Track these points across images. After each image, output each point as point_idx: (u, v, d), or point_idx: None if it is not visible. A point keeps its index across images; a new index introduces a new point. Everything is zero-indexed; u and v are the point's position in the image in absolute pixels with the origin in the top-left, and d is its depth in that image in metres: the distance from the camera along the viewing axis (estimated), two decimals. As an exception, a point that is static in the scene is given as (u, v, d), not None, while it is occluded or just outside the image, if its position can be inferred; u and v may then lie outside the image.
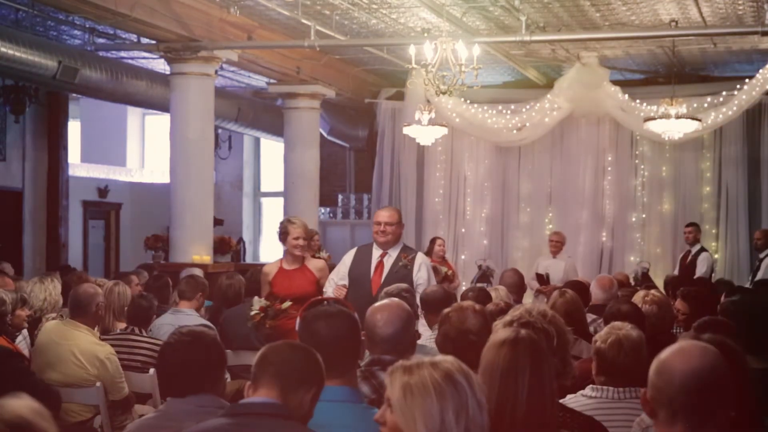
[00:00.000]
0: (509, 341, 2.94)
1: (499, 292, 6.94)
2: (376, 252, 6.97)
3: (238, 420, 2.79)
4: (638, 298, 5.94)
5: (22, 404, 1.79)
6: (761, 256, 11.97)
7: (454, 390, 2.34)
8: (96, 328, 6.28)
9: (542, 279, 11.34)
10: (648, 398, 2.48)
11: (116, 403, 5.83)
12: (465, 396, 2.35)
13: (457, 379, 2.36)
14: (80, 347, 5.78)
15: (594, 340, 4.02)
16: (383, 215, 7.03)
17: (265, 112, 14.54)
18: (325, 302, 3.23)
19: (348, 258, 7.09)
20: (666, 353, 2.48)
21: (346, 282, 6.90)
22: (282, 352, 2.84)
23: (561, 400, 3.47)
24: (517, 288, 7.76)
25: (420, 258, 6.98)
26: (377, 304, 3.93)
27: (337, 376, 3.06)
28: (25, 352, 6.39)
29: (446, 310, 4.17)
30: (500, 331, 3.10)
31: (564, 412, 3.31)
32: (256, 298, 6.97)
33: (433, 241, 12.09)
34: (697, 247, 12.09)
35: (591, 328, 6.15)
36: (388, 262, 6.91)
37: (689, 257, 12.04)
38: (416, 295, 6.26)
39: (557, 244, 12.27)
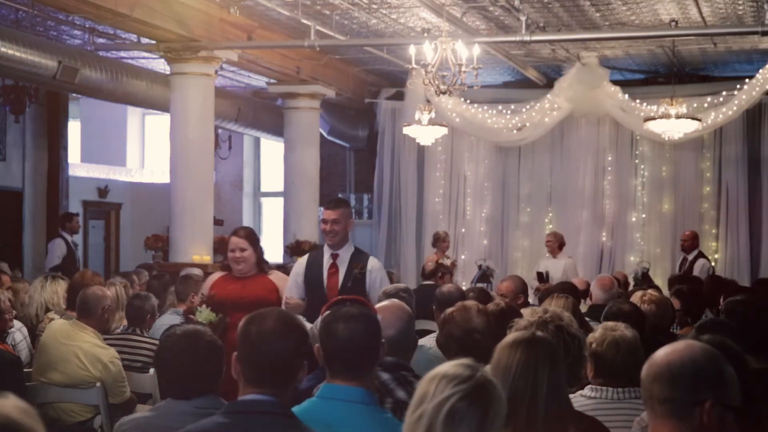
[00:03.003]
0: (526, 340, 2.96)
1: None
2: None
3: (235, 419, 2.77)
4: (636, 298, 5.93)
5: (9, 404, 1.77)
6: (689, 257, 12.01)
7: None
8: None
9: (541, 277, 11.33)
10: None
11: (117, 405, 5.83)
12: None
13: None
14: (84, 349, 5.77)
15: (589, 343, 3.97)
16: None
17: (265, 112, 14.54)
18: (348, 302, 3.19)
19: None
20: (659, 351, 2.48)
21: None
22: (271, 343, 2.79)
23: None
24: (515, 295, 7.64)
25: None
26: (377, 305, 3.89)
27: (353, 378, 3.03)
28: (25, 352, 6.39)
29: (449, 309, 4.17)
30: (515, 332, 3.13)
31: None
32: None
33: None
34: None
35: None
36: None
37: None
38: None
39: (551, 245, 12.28)
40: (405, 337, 3.75)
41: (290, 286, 6.08)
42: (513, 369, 2.88)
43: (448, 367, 2.23)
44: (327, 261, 6.08)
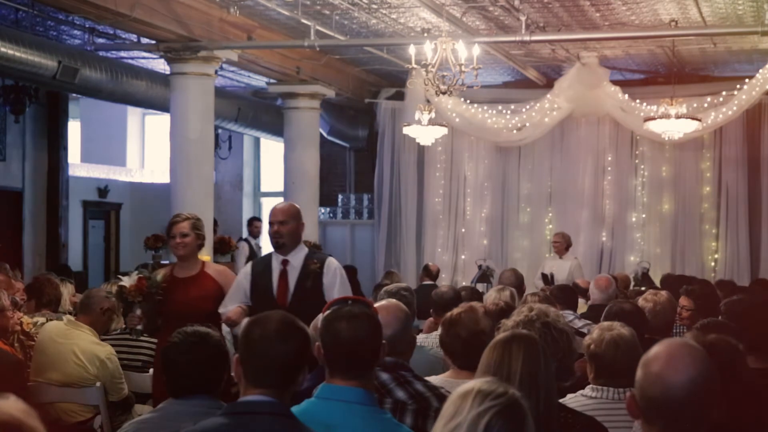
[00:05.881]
0: (503, 341, 2.96)
1: (504, 293, 6.81)
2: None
3: (236, 419, 2.78)
4: (643, 298, 5.92)
5: (11, 404, 1.79)
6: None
7: None
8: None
9: (546, 279, 11.33)
10: (641, 406, 2.45)
11: (115, 404, 5.83)
12: None
13: None
14: (81, 347, 5.78)
15: (587, 344, 3.95)
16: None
17: (265, 112, 14.54)
18: (349, 302, 3.19)
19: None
20: (656, 362, 2.44)
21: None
22: (272, 342, 2.80)
23: (561, 400, 3.47)
24: (515, 288, 7.70)
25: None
26: (375, 305, 3.89)
27: (353, 377, 3.04)
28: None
29: (456, 310, 4.17)
30: (500, 333, 3.12)
31: (565, 412, 3.31)
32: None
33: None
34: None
35: (586, 330, 6.13)
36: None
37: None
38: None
39: (557, 245, 12.28)
40: (403, 337, 3.74)
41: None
42: (491, 369, 2.88)
43: (481, 383, 2.27)
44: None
